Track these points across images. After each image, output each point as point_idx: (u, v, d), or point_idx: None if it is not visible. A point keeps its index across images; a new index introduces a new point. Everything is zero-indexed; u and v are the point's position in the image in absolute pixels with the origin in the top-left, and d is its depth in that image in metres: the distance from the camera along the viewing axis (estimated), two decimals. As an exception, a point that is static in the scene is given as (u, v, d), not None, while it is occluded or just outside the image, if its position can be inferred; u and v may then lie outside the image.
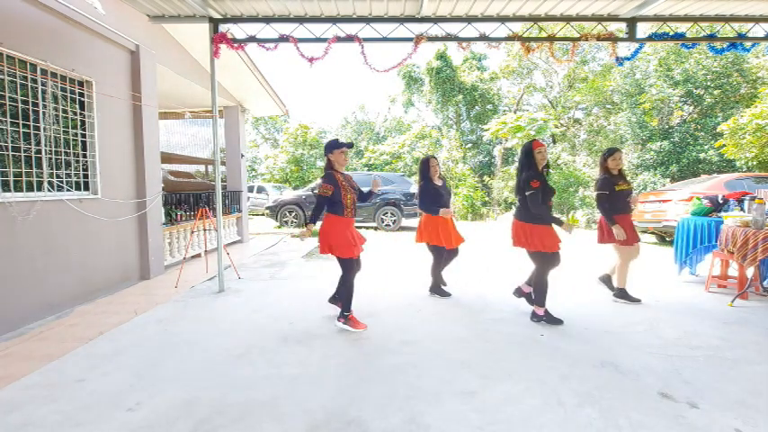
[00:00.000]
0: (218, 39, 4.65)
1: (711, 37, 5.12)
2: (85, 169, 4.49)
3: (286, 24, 4.79)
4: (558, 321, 3.62)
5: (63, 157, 4.15)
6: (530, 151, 3.56)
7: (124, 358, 2.96)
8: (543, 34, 5.31)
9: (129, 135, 5.16)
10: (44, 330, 3.53)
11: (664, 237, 8.65)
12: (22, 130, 3.68)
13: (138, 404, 2.35)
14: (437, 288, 4.53)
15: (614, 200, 4.10)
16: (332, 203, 3.40)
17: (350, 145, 3.50)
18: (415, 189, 10.59)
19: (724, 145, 9.71)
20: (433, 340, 3.28)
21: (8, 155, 3.55)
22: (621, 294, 4.30)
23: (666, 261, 6.33)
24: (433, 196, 4.32)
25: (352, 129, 26.61)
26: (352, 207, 3.46)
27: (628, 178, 4.34)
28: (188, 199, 6.95)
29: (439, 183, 4.43)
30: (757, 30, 5.22)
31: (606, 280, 4.55)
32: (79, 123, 4.39)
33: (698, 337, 3.32)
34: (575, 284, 5.01)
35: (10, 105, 3.57)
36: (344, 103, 50.15)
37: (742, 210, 4.98)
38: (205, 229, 6.54)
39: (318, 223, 3.46)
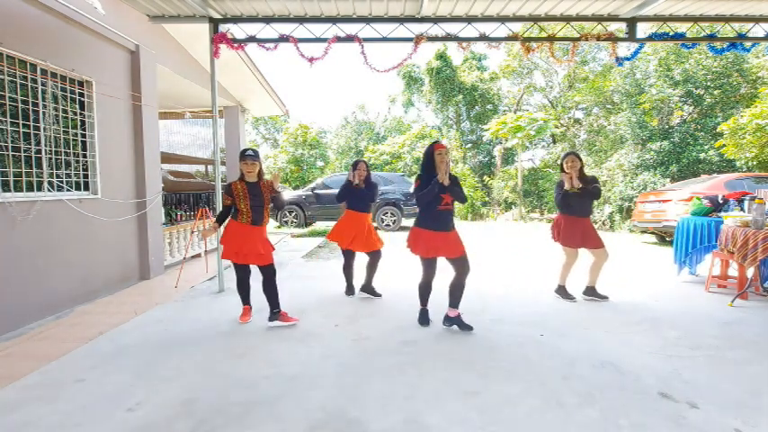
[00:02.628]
0: (218, 39, 4.65)
1: (711, 37, 5.12)
2: (85, 169, 4.49)
3: (286, 24, 4.80)
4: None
5: (63, 157, 4.15)
6: (429, 153, 3.43)
7: (124, 358, 2.96)
8: (543, 34, 5.31)
9: (129, 135, 5.16)
10: (44, 330, 3.53)
11: (664, 237, 8.64)
12: (22, 130, 3.68)
13: (138, 404, 2.35)
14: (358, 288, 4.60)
15: (567, 201, 4.20)
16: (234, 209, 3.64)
17: (252, 156, 3.57)
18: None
19: (724, 145, 9.70)
20: (433, 340, 3.28)
21: (8, 155, 3.55)
22: (558, 290, 4.43)
23: (666, 261, 6.33)
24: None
25: (352, 129, 26.59)
26: (249, 214, 3.54)
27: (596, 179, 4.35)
28: (188, 199, 6.96)
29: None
30: (757, 30, 5.22)
31: (590, 292, 4.38)
32: (79, 123, 4.39)
33: (698, 337, 3.32)
34: (575, 284, 5.01)
35: (10, 105, 3.57)
36: (344, 103, 50.18)
37: (742, 210, 4.98)
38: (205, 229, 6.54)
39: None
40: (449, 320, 3.53)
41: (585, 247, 4.27)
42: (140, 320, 3.78)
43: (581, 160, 4.26)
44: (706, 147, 11.42)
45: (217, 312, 4.01)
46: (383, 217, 11.02)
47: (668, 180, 11.33)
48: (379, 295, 4.48)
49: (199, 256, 6.88)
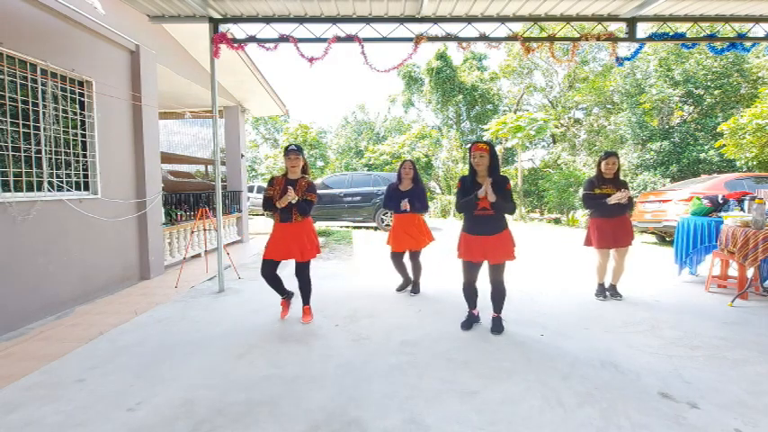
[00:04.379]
0: (218, 39, 4.65)
1: (711, 37, 5.11)
2: (85, 169, 4.49)
3: (286, 24, 4.79)
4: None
5: (63, 157, 4.15)
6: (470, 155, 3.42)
7: (124, 358, 2.96)
8: (543, 34, 5.31)
9: (130, 135, 5.16)
10: (44, 330, 3.53)
11: (664, 237, 8.64)
12: (22, 130, 3.68)
13: (138, 404, 2.35)
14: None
15: (595, 202, 4.24)
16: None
17: (294, 150, 3.55)
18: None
19: (724, 145, 9.71)
20: (433, 340, 3.27)
21: (8, 155, 3.55)
22: (597, 290, 4.46)
23: (666, 261, 6.33)
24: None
25: (352, 129, 26.60)
26: (278, 210, 3.56)
27: (627, 183, 4.38)
28: (188, 199, 6.95)
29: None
30: (757, 30, 5.22)
31: (611, 290, 4.47)
32: (79, 123, 4.39)
33: (698, 337, 3.32)
34: (574, 284, 5.01)
35: (10, 105, 3.57)
36: (344, 103, 50.20)
37: (742, 210, 4.97)
38: (205, 229, 6.54)
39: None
40: (491, 321, 3.53)
41: (616, 246, 4.27)
42: (140, 320, 3.78)
43: (619, 161, 4.29)
44: (706, 147, 11.43)
45: (217, 312, 4.01)
46: (383, 217, 11.02)
47: (668, 180, 11.34)
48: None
49: (199, 256, 6.88)
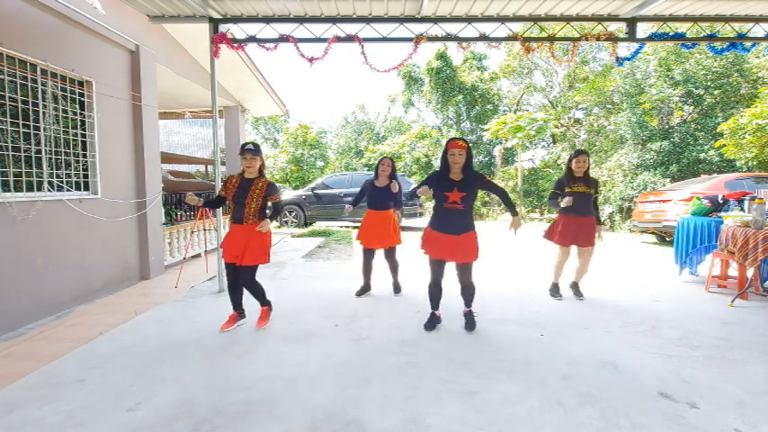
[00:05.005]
0: (218, 39, 4.65)
1: (711, 37, 5.11)
2: (85, 169, 4.49)
3: (286, 24, 4.79)
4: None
5: (63, 157, 4.15)
6: (445, 150, 3.24)
7: (124, 358, 2.96)
8: (543, 34, 5.31)
9: (129, 135, 5.15)
10: (44, 330, 3.53)
11: (664, 237, 8.64)
12: (22, 130, 3.68)
13: (138, 404, 2.35)
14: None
15: (555, 201, 4.29)
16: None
17: (251, 150, 3.41)
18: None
19: (724, 145, 9.70)
20: (433, 340, 3.27)
21: (8, 155, 3.55)
22: (551, 288, 4.51)
23: (666, 261, 6.33)
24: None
25: (352, 129, 26.60)
26: (232, 209, 3.46)
27: (597, 181, 4.39)
28: (188, 199, 6.95)
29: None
30: (757, 30, 5.22)
31: (573, 287, 4.50)
32: (79, 123, 4.39)
33: (698, 337, 3.32)
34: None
35: (10, 105, 3.57)
36: (344, 103, 50.17)
37: (742, 210, 4.98)
38: (205, 229, 6.54)
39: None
40: (463, 317, 3.52)
41: (576, 244, 4.29)
42: (140, 320, 3.78)
43: (589, 159, 4.32)
44: (706, 147, 11.42)
45: (217, 312, 4.01)
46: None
47: (668, 180, 11.33)
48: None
49: (199, 256, 6.88)
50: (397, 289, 4.62)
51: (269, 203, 3.52)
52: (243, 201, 3.37)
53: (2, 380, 2.63)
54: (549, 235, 4.46)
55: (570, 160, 4.31)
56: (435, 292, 3.48)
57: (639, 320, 3.71)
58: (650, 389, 2.49)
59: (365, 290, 4.57)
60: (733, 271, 4.73)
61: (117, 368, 2.80)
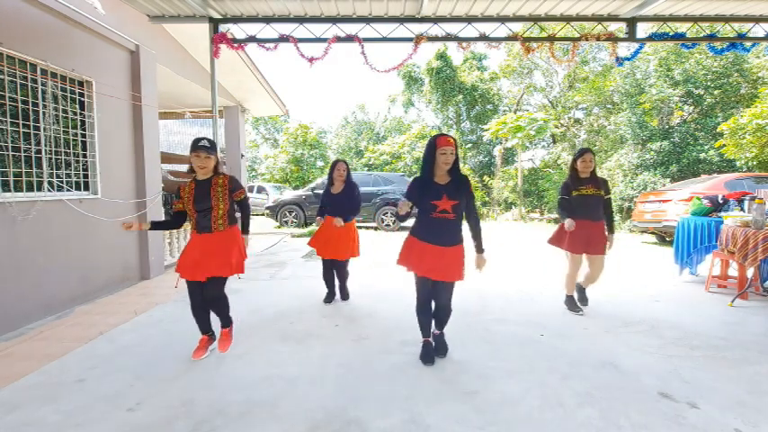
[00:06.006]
0: (218, 39, 4.65)
1: (711, 37, 5.12)
2: (85, 169, 4.49)
3: (286, 24, 4.80)
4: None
5: (63, 157, 4.15)
6: (431, 146, 2.76)
7: (124, 358, 2.96)
8: (543, 34, 5.31)
9: (129, 135, 5.15)
10: (44, 330, 3.53)
11: (664, 237, 8.64)
12: (22, 130, 3.68)
13: (138, 404, 2.35)
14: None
15: (572, 204, 3.82)
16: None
17: (204, 148, 2.80)
18: None
19: (724, 145, 9.71)
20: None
21: (8, 155, 3.55)
22: (567, 301, 4.05)
23: (666, 261, 6.33)
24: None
25: (352, 129, 26.62)
26: (194, 219, 2.92)
27: (607, 181, 3.97)
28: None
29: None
30: (757, 30, 5.22)
31: (580, 293, 4.17)
32: (79, 123, 4.39)
33: (698, 337, 3.32)
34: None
35: (10, 105, 3.57)
36: (344, 103, 50.24)
37: (742, 210, 4.98)
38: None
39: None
40: (432, 339, 2.97)
41: (587, 252, 3.83)
42: (140, 320, 3.78)
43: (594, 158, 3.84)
44: (706, 147, 11.43)
45: (217, 312, 4.01)
46: (383, 217, 11.02)
47: (668, 180, 11.34)
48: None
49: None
50: (344, 295, 4.34)
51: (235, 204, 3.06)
52: (207, 205, 2.84)
53: (2, 380, 2.63)
54: (556, 241, 3.98)
55: (574, 160, 3.87)
56: (425, 319, 2.93)
57: (639, 320, 3.71)
58: (650, 389, 2.49)
59: (331, 297, 4.30)
60: (733, 271, 4.73)
61: (117, 368, 2.80)
